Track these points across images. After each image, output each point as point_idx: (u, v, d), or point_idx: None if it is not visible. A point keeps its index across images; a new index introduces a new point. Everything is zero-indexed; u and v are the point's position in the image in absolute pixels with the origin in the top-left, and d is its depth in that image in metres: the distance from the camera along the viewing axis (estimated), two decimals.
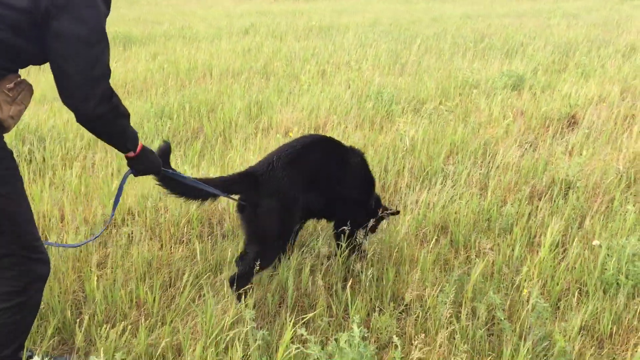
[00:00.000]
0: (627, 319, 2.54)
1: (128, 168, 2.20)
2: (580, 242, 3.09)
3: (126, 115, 1.94)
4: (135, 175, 2.23)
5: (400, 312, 2.62)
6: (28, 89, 1.83)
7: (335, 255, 2.92)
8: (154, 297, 2.64)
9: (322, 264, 2.93)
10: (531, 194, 3.75)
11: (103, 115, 1.83)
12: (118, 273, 2.84)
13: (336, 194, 2.85)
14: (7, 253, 1.84)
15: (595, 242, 3.03)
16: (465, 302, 2.60)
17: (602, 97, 5.86)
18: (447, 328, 2.43)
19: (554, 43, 9.33)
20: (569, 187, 3.78)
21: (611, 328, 2.49)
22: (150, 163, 2.17)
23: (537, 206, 3.49)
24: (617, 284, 2.73)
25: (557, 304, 2.69)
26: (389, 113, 5.52)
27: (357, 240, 2.89)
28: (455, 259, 3.07)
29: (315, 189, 2.74)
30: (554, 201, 3.59)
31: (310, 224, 3.37)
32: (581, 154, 4.20)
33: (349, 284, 2.64)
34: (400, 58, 8.24)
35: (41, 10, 1.65)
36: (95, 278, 2.69)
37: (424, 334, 2.34)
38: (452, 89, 6.35)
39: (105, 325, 2.43)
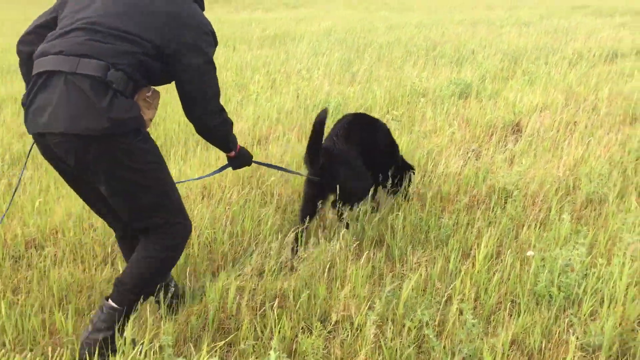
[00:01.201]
0: (557, 332, 2.50)
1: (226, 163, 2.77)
2: (514, 253, 3.05)
3: (231, 124, 2.47)
4: (234, 169, 2.79)
5: (328, 332, 2.52)
6: (158, 95, 2.27)
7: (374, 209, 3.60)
8: (69, 324, 2.48)
9: (252, 282, 2.81)
10: (470, 204, 3.72)
11: (217, 126, 2.37)
12: (33, 298, 2.67)
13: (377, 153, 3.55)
14: (165, 220, 2.26)
15: (530, 253, 2.99)
16: (395, 319, 2.52)
17: (546, 104, 5.92)
18: (374, 348, 2.35)
19: (503, 51, 9.45)
20: (507, 196, 3.76)
21: (541, 342, 2.45)
22: (246, 159, 2.76)
23: (475, 217, 3.45)
24: (550, 295, 2.69)
25: (489, 318, 2.63)
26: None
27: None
28: (391, 272, 3.00)
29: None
30: (493, 210, 3.57)
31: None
32: (522, 162, 4.19)
33: (275, 303, 2.54)
34: (352, 66, 8.22)
35: (171, 49, 2.13)
36: (7, 305, 2.52)
37: (350, 356, 2.24)
38: (401, 98, 6.34)
39: (14, 355, 2.27)
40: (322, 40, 11.03)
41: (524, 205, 3.63)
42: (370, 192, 3.44)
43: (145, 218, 2.25)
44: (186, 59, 2.15)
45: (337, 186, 3.17)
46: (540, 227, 3.34)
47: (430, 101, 6.19)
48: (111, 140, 2.01)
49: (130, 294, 2.25)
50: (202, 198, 3.79)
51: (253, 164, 2.94)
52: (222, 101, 2.57)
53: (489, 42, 10.65)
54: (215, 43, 2.30)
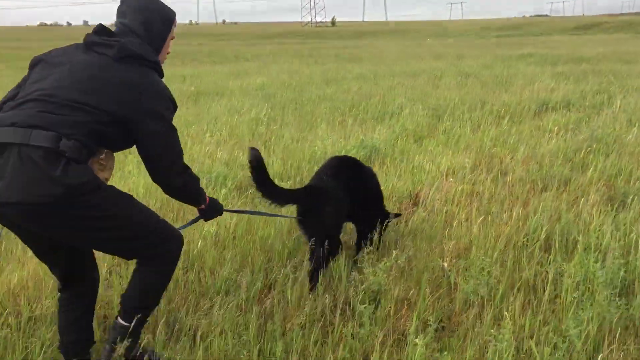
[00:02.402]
0: None
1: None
2: None
3: (197, 179, 2.51)
4: (206, 220, 2.84)
5: None
6: (112, 157, 2.31)
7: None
8: None
9: None
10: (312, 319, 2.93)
11: (184, 185, 2.41)
12: None
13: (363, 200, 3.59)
14: (152, 251, 2.36)
15: None
16: None
17: (455, 169, 5.32)
18: None
19: (432, 106, 8.98)
20: (374, 301, 3.03)
21: None
22: (217, 210, 2.78)
23: (311, 340, 2.69)
24: None
25: None
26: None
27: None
28: None
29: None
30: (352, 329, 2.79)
31: None
32: (403, 251, 3.49)
33: None
34: (261, 127, 7.58)
35: (130, 116, 2.17)
36: None
37: None
38: (301, 165, 5.68)
39: None
40: (246, 97, 10.47)
41: (386, 317, 2.89)
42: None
43: (131, 252, 2.38)
44: (146, 125, 2.20)
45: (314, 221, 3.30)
46: (392, 349, 2.61)
47: None
48: (70, 202, 2.03)
49: (137, 310, 2.36)
50: None
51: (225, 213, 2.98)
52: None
53: (420, 96, 10.23)
54: (175, 108, 2.37)
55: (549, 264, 3.34)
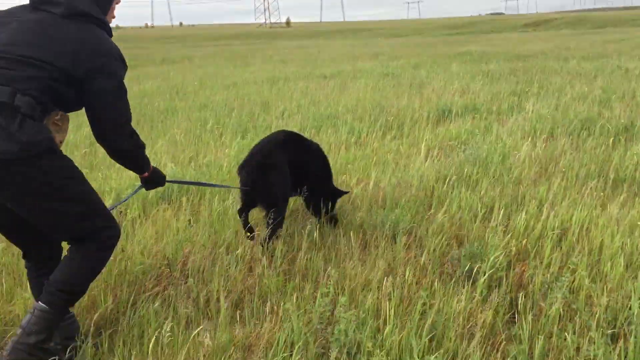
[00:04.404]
0: None
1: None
2: None
3: (143, 146, 2.47)
4: (147, 189, 2.80)
5: None
6: (67, 119, 2.27)
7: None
8: None
9: None
10: None
11: (129, 150, 2.38)
12: None
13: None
14: (92, 228, 2.29)
15: None
16: None
17: None
18: None
19: (318, 114, 7.59)
20: None
21: None
22: (159, 179, 2.73)
23: None
24: None
25: None
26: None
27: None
28: None
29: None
30: None
31: None
32: None
33: None
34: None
35: (81, 73, 2.14)
36: None
37: None
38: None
39: None
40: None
41: None
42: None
43: (73, 230, 2.26)
44: (97, 82, 2.17)
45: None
46: None
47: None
48: (26, 162, 2.01)
49: (62, 294, 2.22)
50: None
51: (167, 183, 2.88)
52: None
53: (314, 101, 8.85)
54: (125, 67, 2.32)
55: None
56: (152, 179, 2.68)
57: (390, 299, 2.56)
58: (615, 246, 3.07)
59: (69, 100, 2.20)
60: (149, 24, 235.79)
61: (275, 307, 2.65)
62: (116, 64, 2.25)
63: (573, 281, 2.77)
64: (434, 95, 9.17)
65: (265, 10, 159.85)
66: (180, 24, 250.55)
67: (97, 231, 2.28)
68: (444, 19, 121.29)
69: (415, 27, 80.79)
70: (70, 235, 2.30)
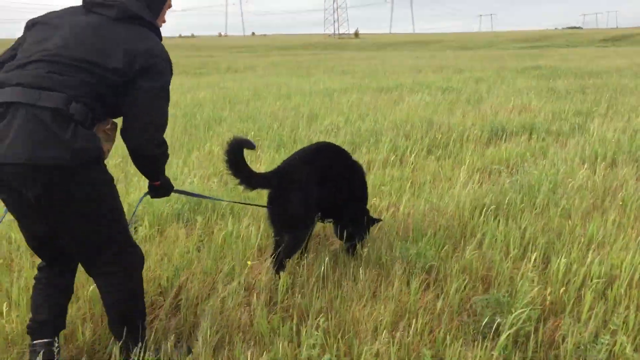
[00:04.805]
0: None
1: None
2: None
3: (167, 158, 2.39)
4: (152, 197, 2.64)
5: None
6: (116, 127, 2.27)
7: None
8: None
9: None
10: None
11: (156, 156, 2.29)
12: None
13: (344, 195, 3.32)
14: (119, 248, 2.25)
15: None
16: None
17: None
18: None
19: (360, 130, 7.27)
20: None
21: None
22: (167, 189, 2.61)
23: None
24: None
25: None
26: None
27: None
28: None
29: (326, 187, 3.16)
30: None
31: None
32: None
33: None
34: None
35: (132, 72, 2.10)
36: None
37: None
38: None
39: None
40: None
41: None
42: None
43: (100, 247, 2.20)
44: (143, 81, 2.13)
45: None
46: None
47: None
48: (73, 171, 1.99)
49: (127, 325, 2.26)
50: None
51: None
52: None
53: (361, 115, 8.52)
54: (172, 72, 2.30)
55: None
56: (162, 187, 2.60)
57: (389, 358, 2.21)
58: None
59: (117, 106, 2.17)
60: (223, 33, 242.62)
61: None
62: (165, 66, 2.24)
63: (614, 345, 2.32)
64: (490, 111, 8.64)
65: (334, 21, 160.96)
66: (253, 33, 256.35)
67: (124, 254, 2.26)
68: (516, 32, 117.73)
69: (487, 39, 78.76)
70: (96, 253, 2.22)
